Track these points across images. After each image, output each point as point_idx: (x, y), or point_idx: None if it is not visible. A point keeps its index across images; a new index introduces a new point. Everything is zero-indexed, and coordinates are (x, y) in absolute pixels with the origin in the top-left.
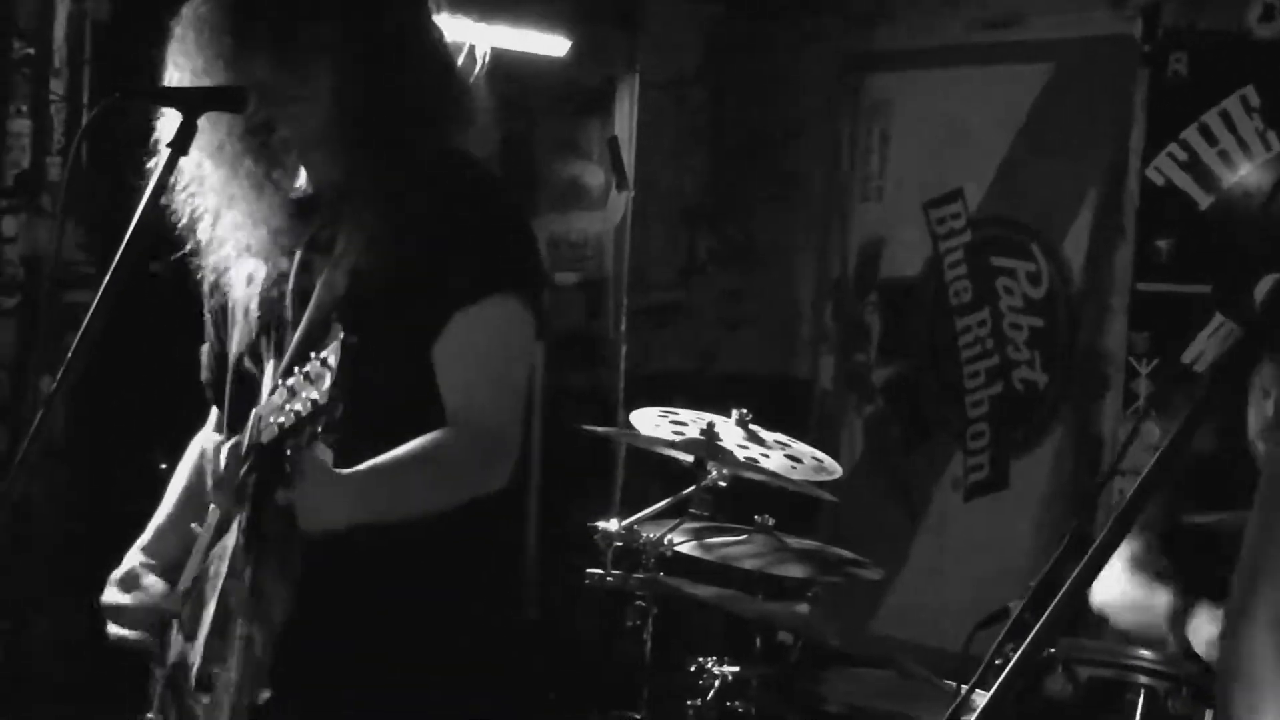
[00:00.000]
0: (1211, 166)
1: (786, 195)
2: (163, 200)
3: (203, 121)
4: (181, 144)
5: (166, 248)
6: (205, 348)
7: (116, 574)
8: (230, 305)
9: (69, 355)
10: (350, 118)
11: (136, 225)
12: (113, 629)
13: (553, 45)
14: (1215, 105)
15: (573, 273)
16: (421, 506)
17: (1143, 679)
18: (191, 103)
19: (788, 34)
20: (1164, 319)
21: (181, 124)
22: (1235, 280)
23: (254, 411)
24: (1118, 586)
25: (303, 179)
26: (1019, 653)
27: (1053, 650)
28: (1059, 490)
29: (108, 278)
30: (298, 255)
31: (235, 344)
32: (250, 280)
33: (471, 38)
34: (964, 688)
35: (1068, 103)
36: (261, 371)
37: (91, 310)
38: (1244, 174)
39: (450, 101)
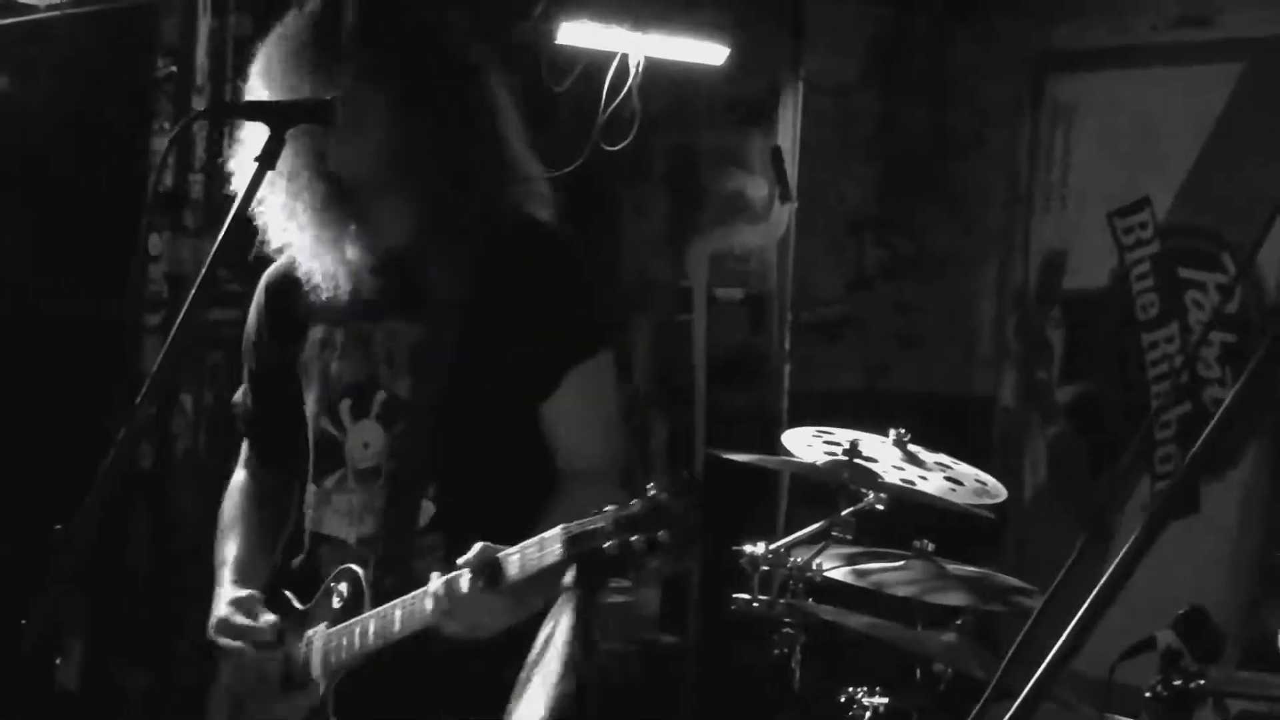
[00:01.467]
0: None
1: (961, 204)
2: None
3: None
4: (269, 159)
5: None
6: (242, 390)
7: (230, 600)
8: (303, 363)
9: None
10: (408, 167)
11: (222, 240)
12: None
13: (711, 53)
14: None
15: (736, 288)
16: None
17: None
18: (280, 116)
19: (961, 34)
20: None
21: (269, 139)
22: None
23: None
24: None
25: (381, 238)
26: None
27: (1203, 682)
28: (1252, 516)
29: (192, 293)
30: (382, 321)
31: (312, 404)
32: (326, 344)
33: (626, 47)
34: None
35: (1262, 104)
36: (344, 432)
37: (180, 319)
38: None
39: (509, 165)
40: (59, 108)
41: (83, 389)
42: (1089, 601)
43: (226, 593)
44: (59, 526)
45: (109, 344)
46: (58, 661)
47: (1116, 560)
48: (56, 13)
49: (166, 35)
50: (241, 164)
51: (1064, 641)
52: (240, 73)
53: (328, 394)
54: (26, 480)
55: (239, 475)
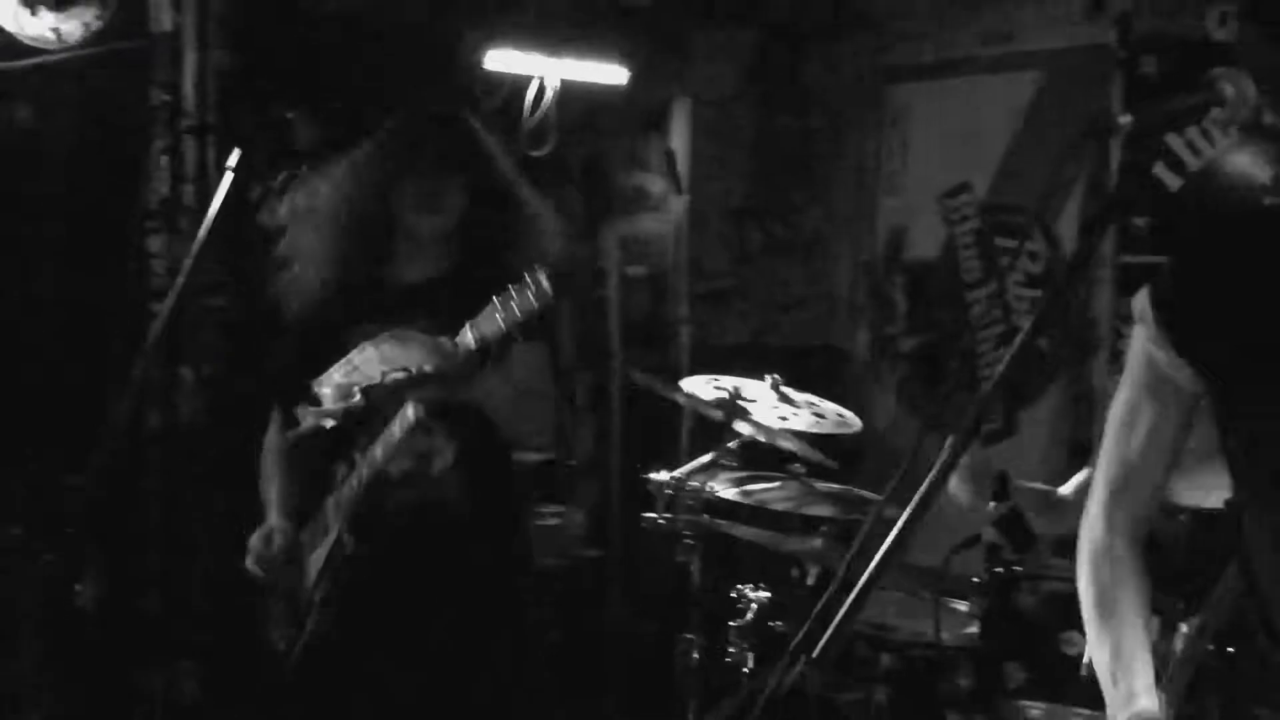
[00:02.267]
0: (1180, 153)
1: (821, 193)
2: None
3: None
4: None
5: None
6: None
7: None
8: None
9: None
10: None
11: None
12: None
13: (615, 75)
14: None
15: (642, 267)
16: None
17: None
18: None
19: (816, 55)
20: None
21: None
22: None
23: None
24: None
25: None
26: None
27: (1018, 567)
28: (1059, 435)
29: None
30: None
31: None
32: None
33: (543, 71)
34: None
35: (1056, 104)
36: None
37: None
38: (1210, 159)
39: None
40: (72, 133)
41: (94, 360)
42: (909, 508)
43: (271, 522)
44: (74, 480)
45: (117, 324)
46: (77, 587)
47: (934, 469)
48: (69, 54)
49: (159, 71)
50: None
51: (890, 542)
52: (222, 99)
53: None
54: (49, 438)
55: (272, 434)
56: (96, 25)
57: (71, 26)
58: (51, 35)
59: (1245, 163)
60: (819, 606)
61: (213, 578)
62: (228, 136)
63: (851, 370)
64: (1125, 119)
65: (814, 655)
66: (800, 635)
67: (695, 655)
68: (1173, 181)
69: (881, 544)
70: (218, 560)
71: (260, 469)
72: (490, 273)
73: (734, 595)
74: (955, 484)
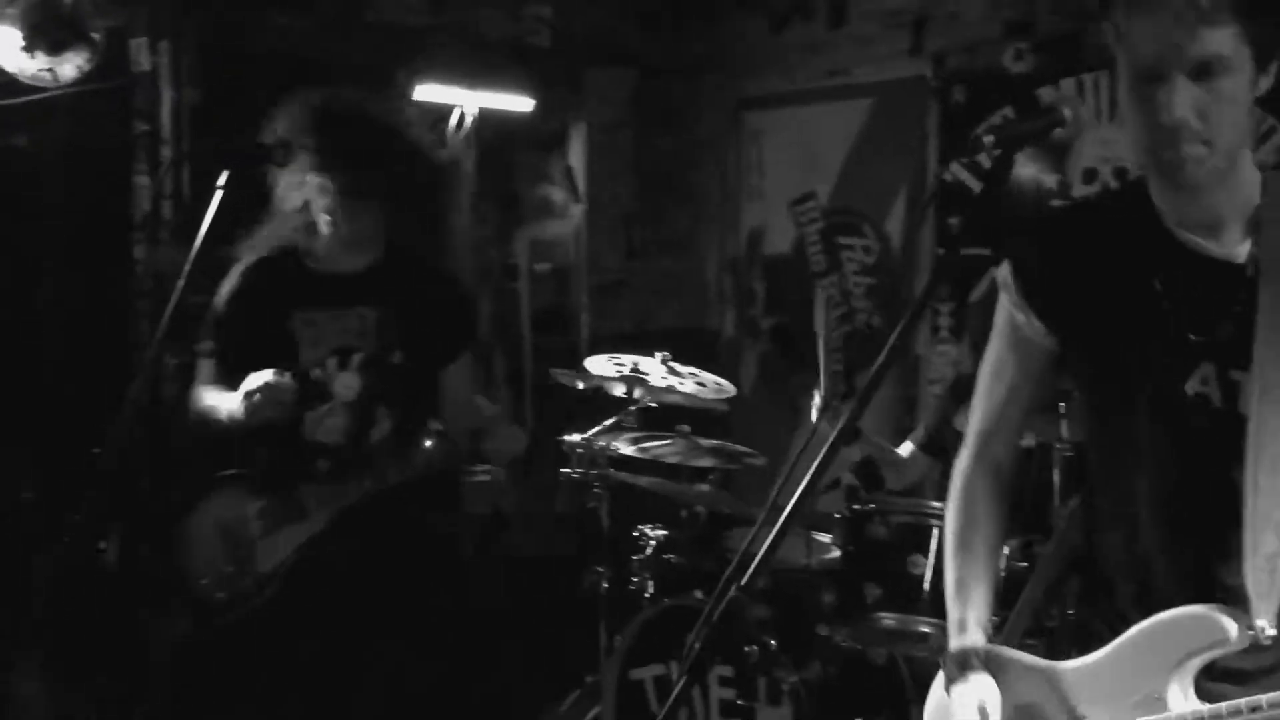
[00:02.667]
0: (983, 163)
1: (693, 201)
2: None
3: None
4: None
5: None
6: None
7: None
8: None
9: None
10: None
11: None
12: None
13: (523, 104)
14: (984, 122)
15: (547, 263)
16: None
17: (936, 521)
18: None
19: (686, 88)
20: (959, 274)
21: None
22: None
23: None
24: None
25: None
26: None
27: (872, 505)
28: (891, 394)
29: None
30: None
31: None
32: (308, 323)
33: (463, 101)
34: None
35: (884, 126)
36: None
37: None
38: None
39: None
40: (66, 157)
41: (89, 348)
42: (813, 467)
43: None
44: (96, 449)
45: (107, 319)
46: (101, 546)
47: (834, 432)
48: (63, 91)
49: (140, 104)
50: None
51: (801, 491)
52: (195, 129)
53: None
54: (59, 418)
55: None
56: (86, 66)
57: (65, 68)
58: (48, 75)
59: (1035, 170)
60: (743, 546)
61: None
62: (201, 161)
63: (721, 346)
64: (989, 138)
65: (743, 583)
66: (732, 567)
67: (605, 584)
68: (974, 184)
69: (790, 497)
70: None
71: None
72: (417, 260)
73: (636, 534)
74: (824, 428)
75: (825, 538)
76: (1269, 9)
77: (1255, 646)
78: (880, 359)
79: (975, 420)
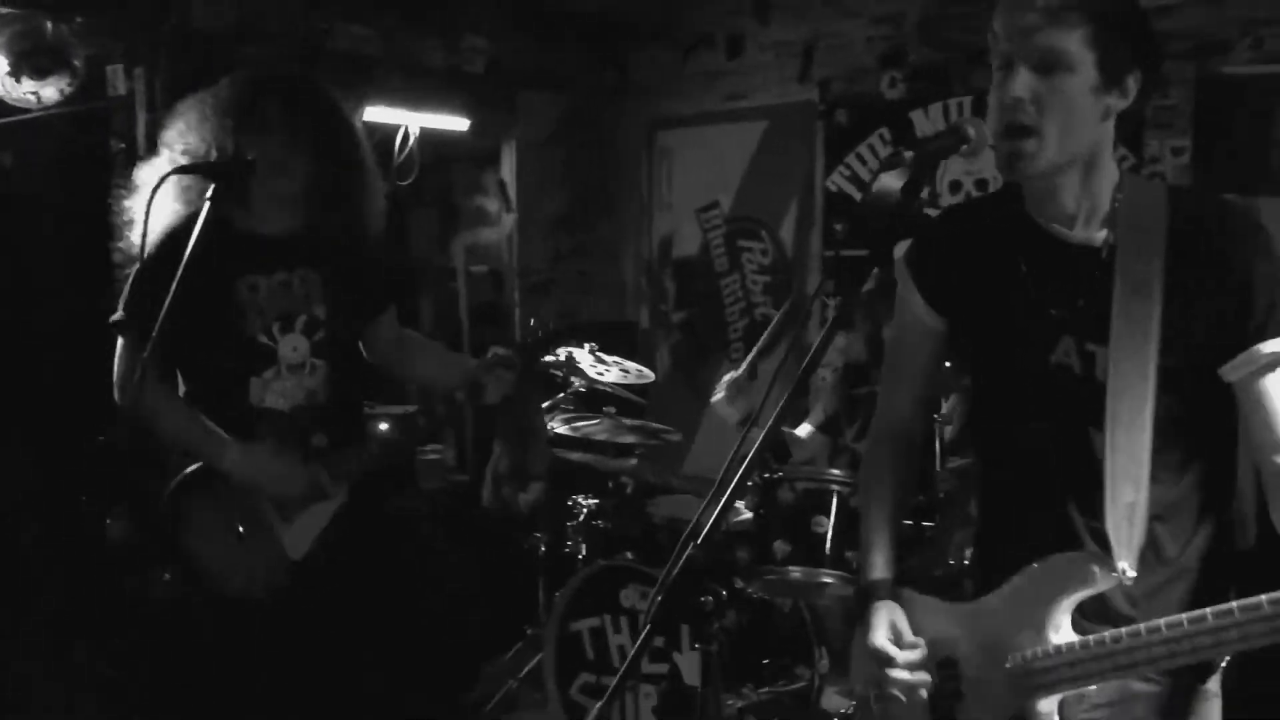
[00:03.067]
0: (863, 177)
1: (613, 210)
2: None
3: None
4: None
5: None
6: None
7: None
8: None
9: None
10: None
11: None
12: None
13: (460, 124)
14: (864, 140)
15: (483, 265)
16: None
17: (835, 486)
18: (213, 172)
19: (608, 110)
20: (843, 273)
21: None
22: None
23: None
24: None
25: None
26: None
27: (780, 473)
28: (786, 377)
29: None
30: (296, 270)
31: (249, 325)
32: (252, 288)
33: (407, 121)
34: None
35: (778, 143)
36: (276, 342)
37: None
38: (881, 180)
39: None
40: (50, 173)
41: (75, 350)
42: (757, 443)
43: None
44: (101, 437)
45: (90, 325)
46: (108, 522)
47: (774, 414)
48: (47, 113)
49: (117, 124)
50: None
51: (747, 463)
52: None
53: (262, 318)
54: (54, 411)
55: (155, 384)
56: (68, 90)
57: (49, 92)
58: (32, 98)
59: (890, 179)
60: (699, 512)
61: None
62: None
63: (639, 337)
64: (909, 154)
65: (699, 542)
66: (689, 529)
67: (542, 548)
68: (856, 195)
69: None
70: None
71: (162, 420)
72: (337, 228)
73: (569, 503)
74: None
75: (740, 502)
76: (1121, 23)
77: (1119, 587)
78: (782, 354)
79: (883, 393)
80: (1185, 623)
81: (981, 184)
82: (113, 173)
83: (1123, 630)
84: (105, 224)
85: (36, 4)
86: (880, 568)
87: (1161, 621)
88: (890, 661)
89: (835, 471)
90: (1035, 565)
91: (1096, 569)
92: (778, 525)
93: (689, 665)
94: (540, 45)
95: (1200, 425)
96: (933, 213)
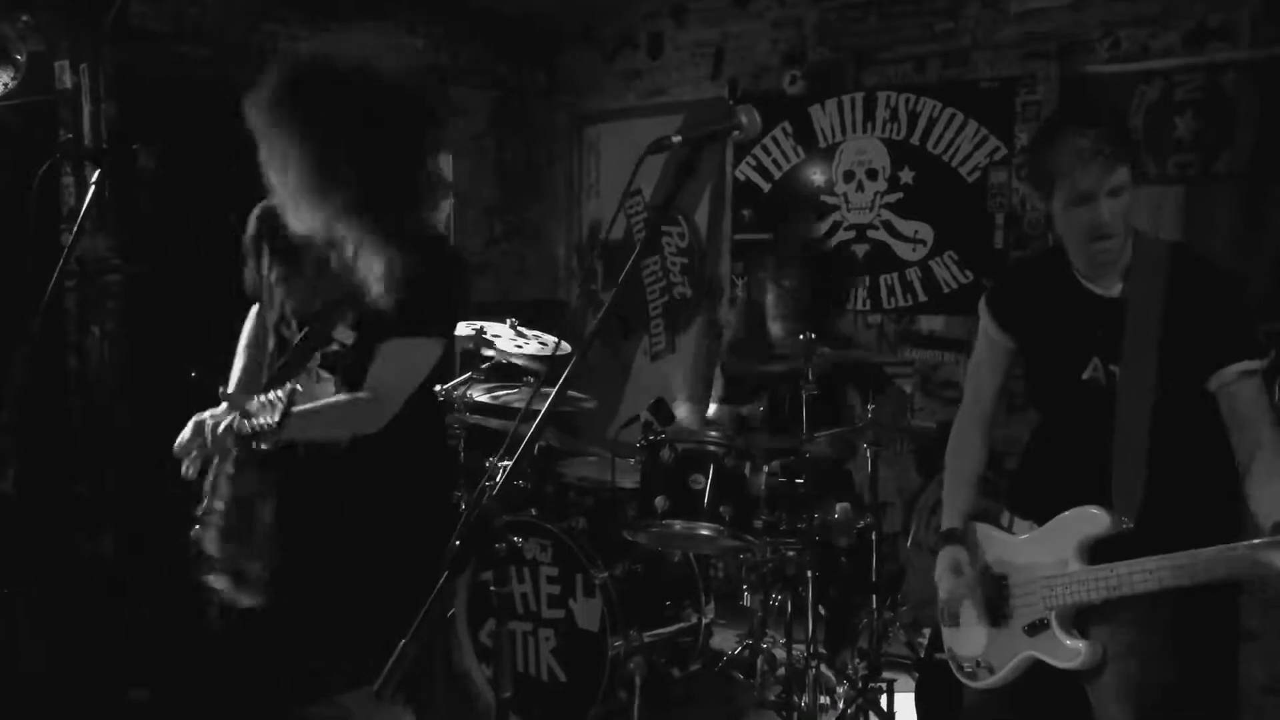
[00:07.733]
0: (769, 167)
1: (544, 196)
2: None
3: None
4: None
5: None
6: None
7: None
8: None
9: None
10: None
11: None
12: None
13: None
14: (769, 133)
15: None
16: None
17: (712, 447)
18: None
19: (538, 106)
20: (749, 255)
21: None
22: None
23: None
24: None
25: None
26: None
27: (663, 435)
28: (700, 350)
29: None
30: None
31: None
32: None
33: None
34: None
35: (693, 134)
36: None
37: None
38: (786, 170)
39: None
40: (1, 162)
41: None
42: (550, 398)
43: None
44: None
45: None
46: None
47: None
48: None
49: (64, 117)
50: None
51: (540, 418)
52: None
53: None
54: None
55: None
56: (13, 84)
57: None
58: None
59: (810, 173)
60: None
61: (124, 471)
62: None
63: (568, 314)
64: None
65: (495, 492)
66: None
67: (462, 506)
68: (762, 184)
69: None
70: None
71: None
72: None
73: (487, 465)
74: (681, 412)
75: (628, 461)
76: (1132, 147)
77: (1121, 533)
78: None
79: (968, 390)
80: (1149, 563)
81: (872, 174)
82: (62, 158)
83: (1115, 564)
84: (54, 209)
85: None
86: (953, 519)
87: (1130, 561)
88: (954, 586)
89: (712, 434)
90: (1064, 515)
91: (1106, 518)
92: (660, 483)
93: (584, 611)
94: (475, 45)
95: (1188, 423)
96: (830, 199)
